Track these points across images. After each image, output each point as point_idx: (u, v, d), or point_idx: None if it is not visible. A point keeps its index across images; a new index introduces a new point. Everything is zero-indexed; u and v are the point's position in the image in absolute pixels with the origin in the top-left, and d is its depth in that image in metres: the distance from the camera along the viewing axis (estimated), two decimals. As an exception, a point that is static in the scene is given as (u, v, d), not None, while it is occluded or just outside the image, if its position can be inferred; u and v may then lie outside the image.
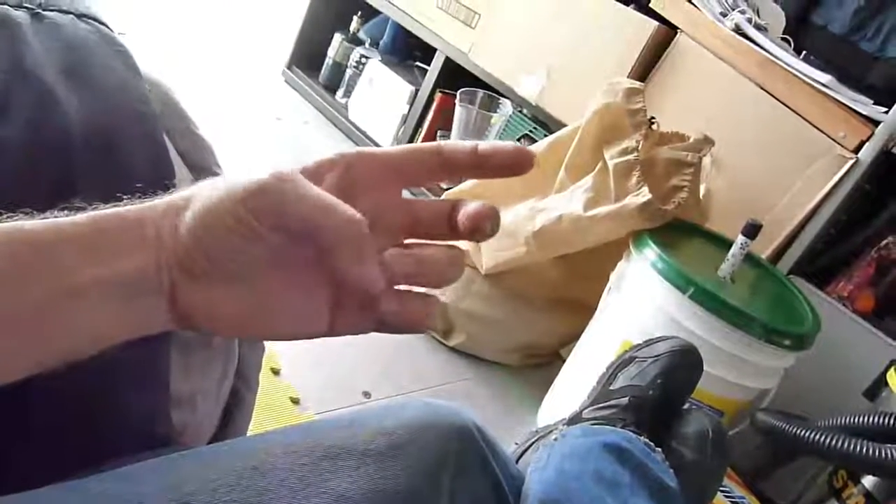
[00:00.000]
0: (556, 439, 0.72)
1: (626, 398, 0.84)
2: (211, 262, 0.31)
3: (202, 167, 0.58)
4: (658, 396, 0.83)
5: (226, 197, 0.30)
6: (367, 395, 1.19)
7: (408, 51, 2.32)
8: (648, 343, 0.93)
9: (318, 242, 0.30)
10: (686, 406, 0.87)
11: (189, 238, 0.30)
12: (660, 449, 0.74)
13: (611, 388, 0.89)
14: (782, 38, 1.56)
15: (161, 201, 0.32)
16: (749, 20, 1.47)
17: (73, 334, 0.30)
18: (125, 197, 0.33)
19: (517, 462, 0.76)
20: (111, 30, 0.48)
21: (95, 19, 0.47)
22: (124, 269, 0.30)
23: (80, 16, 0.47)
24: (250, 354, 0.62)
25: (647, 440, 0.73)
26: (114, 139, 0.46)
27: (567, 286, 1.41)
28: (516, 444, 0.87)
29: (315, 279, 0.34)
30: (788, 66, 1.37)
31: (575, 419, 0.87)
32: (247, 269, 0.31)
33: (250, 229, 0.30)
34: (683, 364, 0.87)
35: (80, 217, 0.31)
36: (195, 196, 0.31)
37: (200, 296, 0.31)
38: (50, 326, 0.30)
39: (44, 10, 0.45)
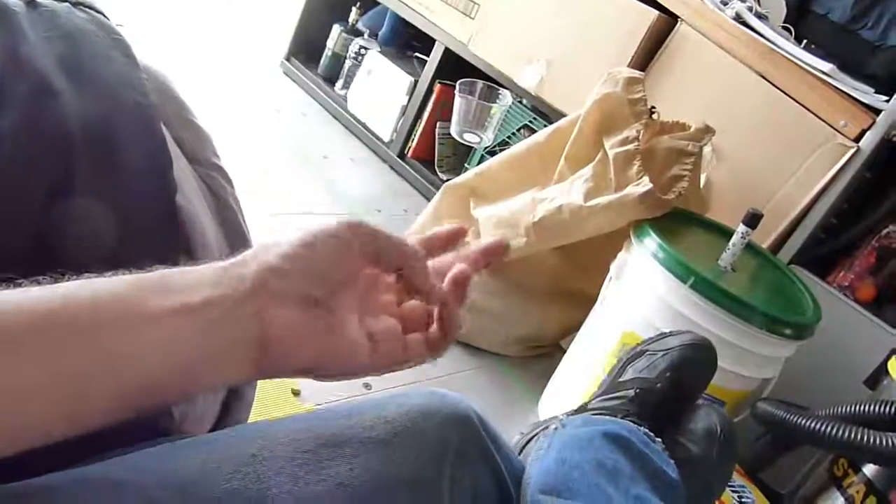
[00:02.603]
0: (556, 429, 0.72)
1: (632, 390, 0.84)
2: (306, 276, 0.35)
3: (200, 157, 0.58)
4: (666, 389, 0.83)
5: (330, 225, 0.36)
6: (367, 386, 1.20)
7: (407, 42, 2.31)
8: (661, 336, 0.92)
9: (398, 263, 0.39)
10: (699, 402, 0.86)
11: (281, 259, 0.35)
12: (660, 439, 0.73)
13: (620, 380, 0.89)
14: (783, 27, 1.55)
15: (236, 256, 0.36)
16: (750, 8, 1.46)
17: (152, 365, 0.31)
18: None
19: (520, 453, 0.76)
20: (107, 18, 0.48)
21: (91, 7, 0.47)
22: (194, 300, 0.32)
23: (76, 3, 0.46)
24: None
25: (646, 430, 0.73)
26: (112, 132, 0.45)
27: (567, 276, 1.41)
28: (521, 433, 0.87)
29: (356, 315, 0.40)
30: (789, 54, 1.36)
31: (581, 410, 0.86)
32: (328, 283, 0.36)
33: (346, 245, 0.36)
34: (695, 359, 0.86)
35: (146, 272, 0.33)
36: (273, 243, 0.36)
37: (285, 318, 0.35)
38: (127, 357, 0.31)
39: (39, -3, 0.45)
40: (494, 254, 0.45)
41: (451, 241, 0.46)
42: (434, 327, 0.42)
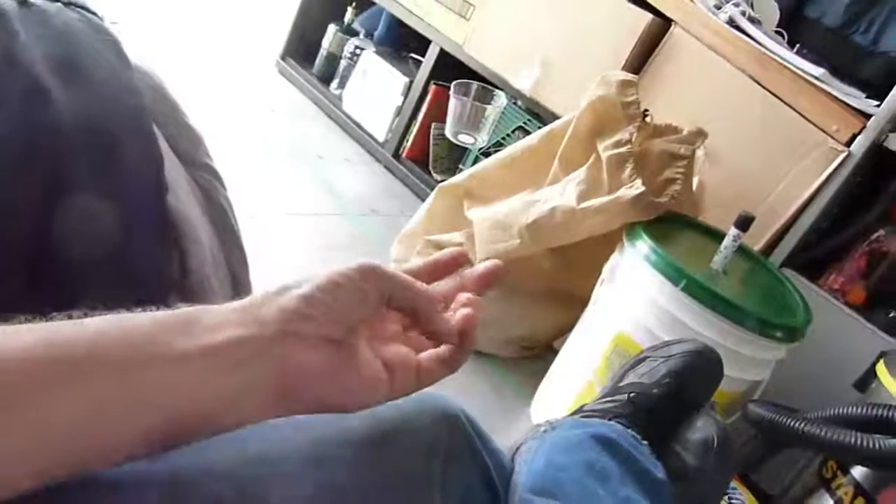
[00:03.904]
0: (545, 431, 0.72)
1: (627, 394, 0.84)
2: (328, 320, 0.36)
3: (192, 158, 0.58)
4: (663, 395, 0.82)
5: (347, 271, 0.37)
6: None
7: (402, 42, 2.32)
8: (666, 344, 0.92)
9: (411, 307, 0.39)
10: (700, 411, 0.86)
11: (302, 302, 0.35)
12: (647, 442, 0.74)
13: (619, 384, 0.89)
14: (776, 31, 1.56)
15: (254, 296, 0.36)
16: (743, 13, 1.47)
17: (176, 405, 0.32)
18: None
19: (512, 456, 0.76)
20: (100, 18, 0.48)
21: (83, 7, 0.47)
22: (218, 341, 0.33)
23: (68, 3, 0.46)
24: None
25: (633, 433, 0.74)
26: (104, 132, 0.45)
27: (560, 278, 1.41)
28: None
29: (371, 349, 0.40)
30: (782, 59, 1.37)
31: (576, 413, 0.86)
32: (346, 327, 0.37)
33: (363, 291, 0.37)
34: (697, 367, 0.85)
35: (169, 311, 0.34)
36: (293, 283, 0.36)
37: (304, 359, 0.35)
38: (153, 396, 0.31)
39: (31, -3, 0.45)
40: (493, 276, 0.48)
41: (453, 265, 0.47)
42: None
